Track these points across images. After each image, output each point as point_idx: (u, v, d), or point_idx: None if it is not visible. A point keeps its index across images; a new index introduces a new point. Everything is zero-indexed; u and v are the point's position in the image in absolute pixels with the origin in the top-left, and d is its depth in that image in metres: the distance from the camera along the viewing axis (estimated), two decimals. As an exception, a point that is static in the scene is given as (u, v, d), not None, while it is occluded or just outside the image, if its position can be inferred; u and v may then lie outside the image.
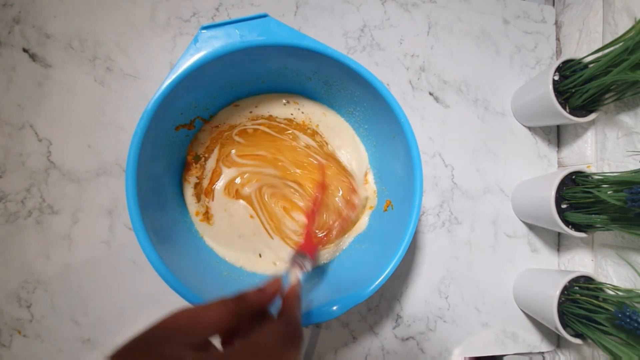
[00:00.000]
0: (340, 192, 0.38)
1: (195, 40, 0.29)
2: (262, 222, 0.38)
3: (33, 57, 0.39)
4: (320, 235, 0.37)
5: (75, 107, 0.39)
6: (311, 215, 0.35)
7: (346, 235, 0.40)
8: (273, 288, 0.24)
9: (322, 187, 0.37)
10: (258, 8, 0.44)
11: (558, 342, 0.48)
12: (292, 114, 0.40)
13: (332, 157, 0.39)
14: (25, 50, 0.39)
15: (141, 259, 0.38)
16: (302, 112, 0.40)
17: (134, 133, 0.28)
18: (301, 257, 0.30)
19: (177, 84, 0.29)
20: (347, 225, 0.39)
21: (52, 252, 0.38)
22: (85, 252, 0.38)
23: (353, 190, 0.38)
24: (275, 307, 0.24)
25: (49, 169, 0.38)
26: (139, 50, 0.41)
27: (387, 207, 0.38)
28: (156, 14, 0.41)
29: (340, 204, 0.38)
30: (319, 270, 0.38)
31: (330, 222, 0.37)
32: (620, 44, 0.37)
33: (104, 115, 0.40)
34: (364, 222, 0.40)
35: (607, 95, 0.41)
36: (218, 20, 0.42)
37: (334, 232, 0.37)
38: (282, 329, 0.21)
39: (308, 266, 0.30)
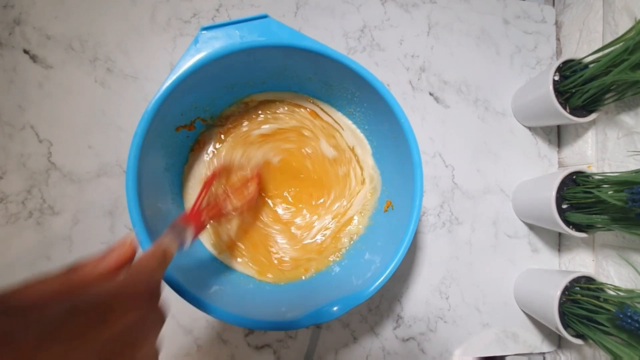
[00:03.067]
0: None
1: (196, 41, 0.29)
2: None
3: (34, 58, 0.39)
4: (208, 209, 0.32)
5: (76, 108, 0.39)
6: (206, 186, 0.32)
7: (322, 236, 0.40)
8: (120, 252, 0.18)
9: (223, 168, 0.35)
10: (258, 9, 0.44)
11: (559, 342, 0.48)
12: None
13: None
14: (26, 52, 0.39)
15: (142, 259, 0.38)
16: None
17: (135, 134, 0.29)
18: (180, 227, 0.27)
19: (178, 84, 0.29)
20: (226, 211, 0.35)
21: (52, 253, 0.38)
22: (85, 253, 0.38)
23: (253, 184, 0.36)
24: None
25: (50, 169, 0.38)
26: (140, 51, 0.41)
27: (388, 207, 0.38)
28: (156, 14, 0.41)
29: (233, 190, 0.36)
30: (320, 271, 0.38)
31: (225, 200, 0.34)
32: (621, 44, 0.37)
33: (104, 116, 0.40)
34: (364, 222, 0.40)
35: (607, 95, 0.41)
36: (218, 21, 0.42)
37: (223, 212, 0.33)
38: (121, 288, 0.16)
39: (187, 239, 0.26)
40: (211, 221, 0.31)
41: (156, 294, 0.18)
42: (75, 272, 0.16)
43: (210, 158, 0.38)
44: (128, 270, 0.18)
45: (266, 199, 0.40)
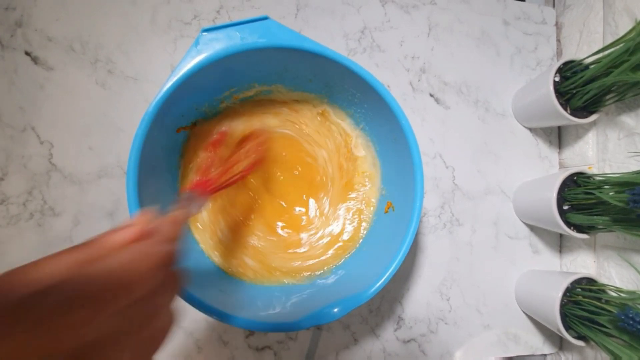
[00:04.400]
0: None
1: (196, 42, 0.29)
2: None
3: (35, 59, 0.39)
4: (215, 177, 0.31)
5: (77, 109, 0.39)
6: (211, 154, 0.31)
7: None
8: (138, 224, 0.18)
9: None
10: (259, 10, 0.44)
11: (560, 344, 0.48)
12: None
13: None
14: (27, 53, 0.39)
15: (142, 261, 0.38)
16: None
17: (135, 135, 0.29)
18: (191, 195, 0.26)
19: (178, 86, 0.29)
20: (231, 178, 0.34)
21: (53, 254, 0.38)
22: (86, 254, 0.38)
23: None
24: None
25: (51, 171, 0.38)
26: (140, 53, 0.41)
27: (388, 208, 0.38)
28: (157, 16, 0.42)
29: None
30: (320, 273, 0.38)
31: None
32: (621, 45, 0.37)
33: (105, 118, 0.40)
34: (365, 224, 0.40)
35: (608, 96, 0.41)
36: (219, 22, 0.42)
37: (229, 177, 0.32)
38: (135, 254, 0.16)
39: (196, 207, 0.26)
40: (220, 188, 0.30)
41: (170, 262, 0.18)
42: (89, 245, 0.16)
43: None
44: (141, 242, 0.17)
45: (265, 197, 0.40)
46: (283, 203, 0.40)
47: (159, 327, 0.17)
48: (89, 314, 0.13)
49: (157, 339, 0.18)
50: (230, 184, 0.32)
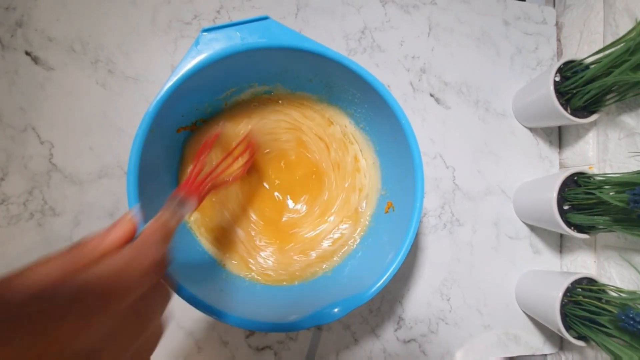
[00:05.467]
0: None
1: (197, 42, 0.29)
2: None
3: (35, 60, 0.39)
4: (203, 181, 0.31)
5: (77, 109, 0.39)
6: (198, 156, 0.31)
7: (339, 238, 0.40)
8: (122, 227, 0.18)
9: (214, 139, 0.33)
10: (259, 10, 0.44)
11: (561, 344, 0.48)
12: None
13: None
14: (27, 53, 0.39)
15: (142, 261, 0.38)
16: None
17: (135, 135, 0.29)
18: (179, 198, 0.26)
19: (178, 86, 0.29)
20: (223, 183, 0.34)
21: (53, 254, 0.38)
22: (86, 254, 0.38)
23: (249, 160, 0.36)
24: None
25: (51, 171, 0.38)
26: (141, 53, 0.41)
27: (388, 209, 0.38)
28: (157, 16, 0.42)
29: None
30: (320, 273, 0.38)
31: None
32: (622, 44, 0.37)
33: (105, 118, 0.40)
34: (365, 224, 0.40)
35: (608, 96, 0.41)
36: (219, 22, 0.42)
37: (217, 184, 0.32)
38: (128, 261, 0.16)
39: (187, 211, 0.26)
40: (209, 191, 0.30)
41: (160, 269, 0.18)
42: (78, 250, 0.16)
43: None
44: (130, 247, 0.17)
45: (273, 191, 0.40)
46: (286, 201, 0.40)
47: (153, 331, 0.18)
48: (83, 321, 0.13)
49: (152, 342, 0.18)
50: (220, 187, 0.32)
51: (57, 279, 0.14)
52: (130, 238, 0.18)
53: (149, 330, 0.17)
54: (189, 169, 0.31)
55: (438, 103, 0.48)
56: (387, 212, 0.38)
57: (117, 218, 0.19)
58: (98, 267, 0.15)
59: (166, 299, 0.19)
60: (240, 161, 0.36)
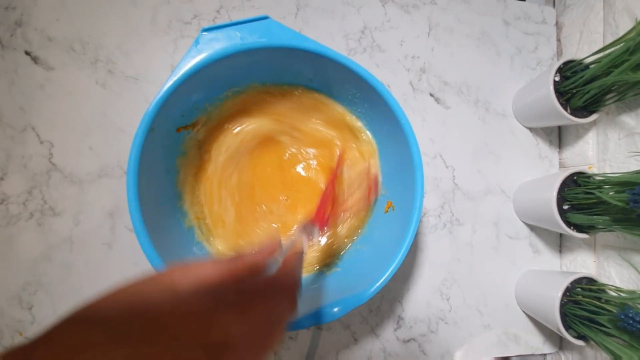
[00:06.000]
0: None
1: (196, 42, 0.30)
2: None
3: (35, 59, 0.39)
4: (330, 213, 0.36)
5: (77, 109, 0.39)
6: (327, 190, 0.35)
7: (349, 230, 0.40)
8: (270, 248, 0.22)
9: (337, 169, 0.38)
10: (259, 10, 0.44)
11: (560, 344, 0.48)
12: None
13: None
14: (27, 53, 0.39)
15: (142, 260, 0.38)
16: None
17: (135, 135, 0.29)
18: (310, 226, 0.30)
19: (178, 86, 0.29)
20: (358, 211, 0.39)
21: (53, 254, 0.38)
22: (86, 254, 0.38)
23: (371, 188, 0.39)
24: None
25: (51, 171, 0.38)
26: (140, 53, 0.41)
27: (388, 208, 0.38)
28: (157, 16, 0.42)
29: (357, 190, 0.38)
30: (320, 272, 0.38)
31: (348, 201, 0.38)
32: (621, 44, 0.37)
33: (105, 118, 0.40)
34: (365, 224, 0.40)
35: (608, 96, 0.41)
36: (219, 22, 0.42)
37: (346, 213, 0.38)
38: (277, 280, 0.20)
39: (315, 236, 0.30)
40: (331, 218, 0.36)
41: (298, 288, 0.22)
42: (238, 260, 0.20)
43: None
44: (280, 267, 0.22)
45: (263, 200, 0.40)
46: (287, 201, 0.40)
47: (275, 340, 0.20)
48: (237, 316, 0.16)
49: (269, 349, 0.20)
50: (339, 215, 0.38)
51: (225, 276, 0.18)
52: (273, 255, 0.22)
53: (274, 338, 0.19)
54: (318, 199, 0.35)
55: (438, 103, 0.48)
56: (386, 211, 0.38)
57: (264, 238, 0.23)
58: (256, 277, 0.20)
59: (293, 313, 0.21)
60: (358, 194, 0.39)
